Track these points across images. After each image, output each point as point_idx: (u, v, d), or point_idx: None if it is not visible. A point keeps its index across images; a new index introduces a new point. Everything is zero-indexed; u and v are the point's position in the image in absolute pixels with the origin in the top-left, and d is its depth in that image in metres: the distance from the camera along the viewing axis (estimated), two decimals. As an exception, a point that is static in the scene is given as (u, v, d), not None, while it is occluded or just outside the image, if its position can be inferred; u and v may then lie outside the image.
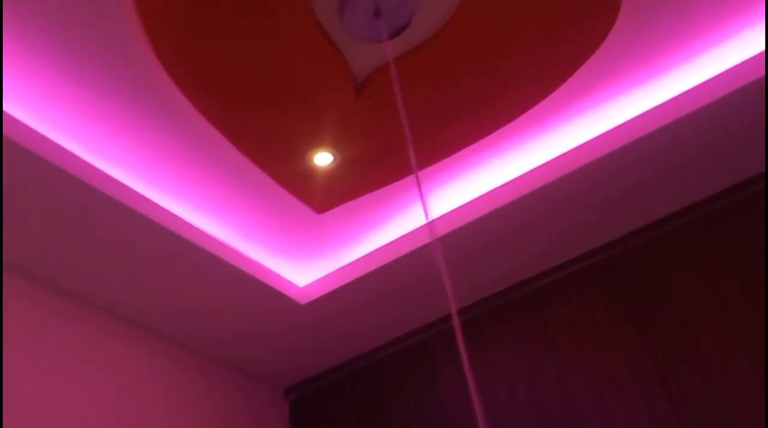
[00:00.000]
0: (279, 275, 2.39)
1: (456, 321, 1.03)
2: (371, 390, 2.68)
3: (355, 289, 2.40)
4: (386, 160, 2.06)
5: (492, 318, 2.52)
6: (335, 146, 1.98)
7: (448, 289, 1.04)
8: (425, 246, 2.25)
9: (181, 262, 2.10)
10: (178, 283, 2.19)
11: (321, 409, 2.77)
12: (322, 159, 2.01)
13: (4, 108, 1.66)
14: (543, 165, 2.13)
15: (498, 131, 2.04)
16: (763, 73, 1.83)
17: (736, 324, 2.03)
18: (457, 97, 1.89)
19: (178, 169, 1.97)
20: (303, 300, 2.43)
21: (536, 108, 1.99)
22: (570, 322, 2.34)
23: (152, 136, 1.85)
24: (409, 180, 2.17)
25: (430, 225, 1.22)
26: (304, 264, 2.43)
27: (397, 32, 1.66)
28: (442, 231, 2.17)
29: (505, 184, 2.18)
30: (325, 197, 2.16)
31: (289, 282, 2.43)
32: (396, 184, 2.18)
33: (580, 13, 1.71)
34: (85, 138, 1.81)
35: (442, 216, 2.25)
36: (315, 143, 1.95)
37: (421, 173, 2.11)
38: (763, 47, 1.89)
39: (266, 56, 1.69)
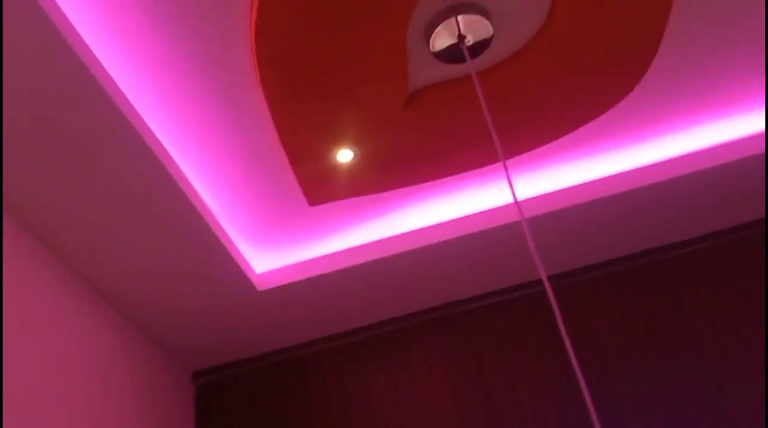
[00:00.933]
0: (242, 255, 2.37)
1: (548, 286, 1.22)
2: (292, 386, 2.70)
3: (312, 285, 2.45)
4: (399, 168, 2.18)
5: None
6: (359, 145, 2.06)
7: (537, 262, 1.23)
8: (379, 260, 2.41)
9: (148, 208, 2.01)
10: (135, 230, 2.07)
11: (230, 399, 2.73)
12: (344, 155, 2.08)
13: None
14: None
15: (544, 147, 2.26)
16: None
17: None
18: (514, 112, 2.07)
19: (199, 125, 1.92)
20: (260, 286, 2.43)
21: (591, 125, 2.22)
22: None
23: (197, 90, 1.81)
24: (392, 193, 2.32)
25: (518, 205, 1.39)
26: (269, 252, 2.43)
27: (474, 54, 1.82)
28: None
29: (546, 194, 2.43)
30: (324, 190, 2.21)
31: (249, 265, 2.41)
32: (381, 194, 2.31)
33: (629, 37, 1.90)
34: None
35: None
36: (344, 140, 2.02)
37: (449, 179, 2.31)
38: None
39: (346, 54, 1.75)
